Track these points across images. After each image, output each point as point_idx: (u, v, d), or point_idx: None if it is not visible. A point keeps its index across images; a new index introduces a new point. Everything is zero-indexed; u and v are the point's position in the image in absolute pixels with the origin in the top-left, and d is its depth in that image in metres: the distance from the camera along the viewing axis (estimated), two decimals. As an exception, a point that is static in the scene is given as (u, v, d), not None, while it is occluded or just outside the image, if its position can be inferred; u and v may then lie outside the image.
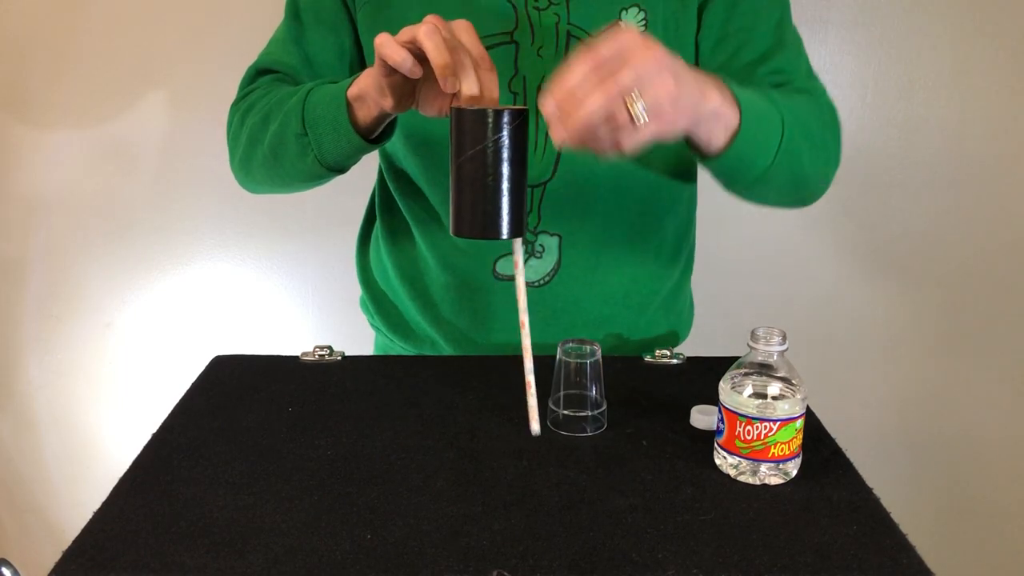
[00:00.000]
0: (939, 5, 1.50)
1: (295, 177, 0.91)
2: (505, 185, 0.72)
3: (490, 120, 0.70)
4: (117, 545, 0.62)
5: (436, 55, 0.70)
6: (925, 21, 1.51)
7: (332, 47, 0.95)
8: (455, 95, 0.72)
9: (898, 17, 1.51)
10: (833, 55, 1.53)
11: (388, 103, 0.77)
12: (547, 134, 0.91)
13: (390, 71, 0.74)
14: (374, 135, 0.84)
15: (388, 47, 0.71)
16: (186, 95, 1.57)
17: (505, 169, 0.71)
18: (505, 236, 0.73)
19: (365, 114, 0.81)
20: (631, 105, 0.63)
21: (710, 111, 0.72)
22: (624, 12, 0.89)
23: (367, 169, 1.13)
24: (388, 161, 1.02)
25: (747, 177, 0.80)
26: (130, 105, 1.57)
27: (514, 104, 0.91)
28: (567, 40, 0.89)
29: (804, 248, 1.63)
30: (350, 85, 0.81)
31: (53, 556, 0.61)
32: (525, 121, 0.72)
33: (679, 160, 0.99)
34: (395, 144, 0.98)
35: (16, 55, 1.55)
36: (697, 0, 0.91)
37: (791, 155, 0.80)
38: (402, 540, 0.63)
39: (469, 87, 0.71)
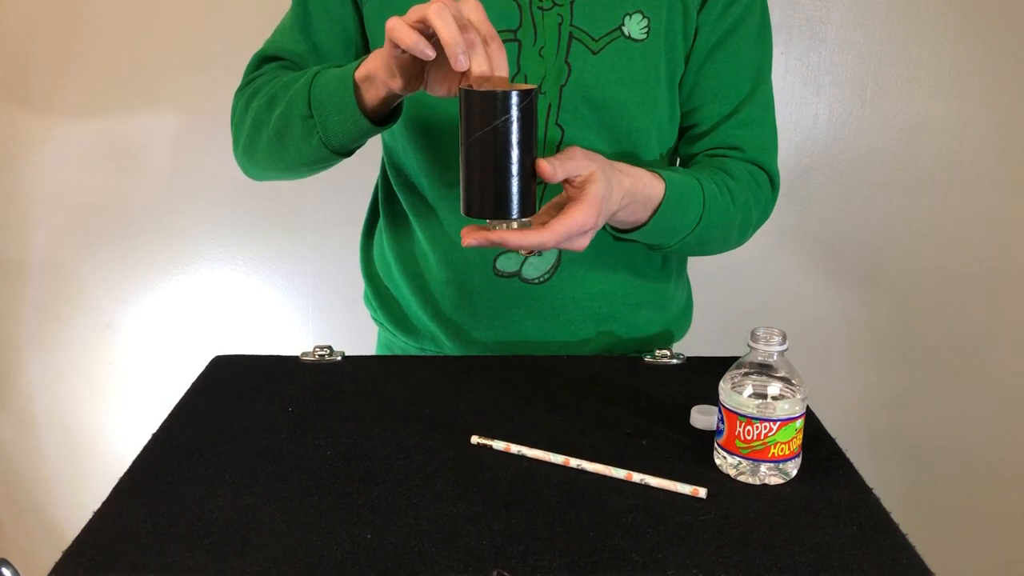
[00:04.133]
0: (939, 5, 1.50)
1: (299, 161, 0.90)
2: (514, 166, 0.72)
3: (499, 101, 0.70)
4: (117, 545, 0.62)
5: (446, 33, 0.69)
6: (925, 21, 1.51)
7: (338, 36, 0.95)
8: (465, 74, 0.72)
9: (898, 17, 1.51)
10: (833, 55, 1.54)
11: (397, 84, 0.77)
12: (545, 132, 0.92)
13: (400, 51, 0.73)
14: (380, 117, 0.84)
15: (400, 30, 0.71)
16: (187, 95, 1.57)
17: (514, 150, 0.71)
18: (515, 216, 0.73)
19: (373, 95, 0.80)
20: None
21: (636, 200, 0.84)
22: (628, 17, 0.90)
23: (368, 168, 1.13)
24: (390, 156, 1.02)
25: (665, 245, 0.92)
26: (131, 105, 1.58)
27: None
28: (569, 41, 0.90)
29: (804, 248, 1.63)
30: (358, 66, 0.81)
31: (53, 556, 0.61)
32: (534, 101, 0.71)
33: (668, 161, 1.00)
34: (395, 138, 0.99)
35: (17, 54, 1.55)
36: (696, 18, 0.92)
37: (705, 234, 0.92)
38: (402, 540, 0.63)
39: (479, 65, 0.71)
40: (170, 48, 1.54)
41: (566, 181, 0.77)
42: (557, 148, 0.92)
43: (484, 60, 0.72)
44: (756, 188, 0.96)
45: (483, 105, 0.70)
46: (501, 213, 0.73)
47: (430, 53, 0.72)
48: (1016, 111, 1.54)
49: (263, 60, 0.97)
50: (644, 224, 0.86)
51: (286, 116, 0.87)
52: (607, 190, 0.77)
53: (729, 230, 0.94)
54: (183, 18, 1.53)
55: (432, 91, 0.79)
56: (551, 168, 0.74)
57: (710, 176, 0.91)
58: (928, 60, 1.52)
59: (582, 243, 0.78)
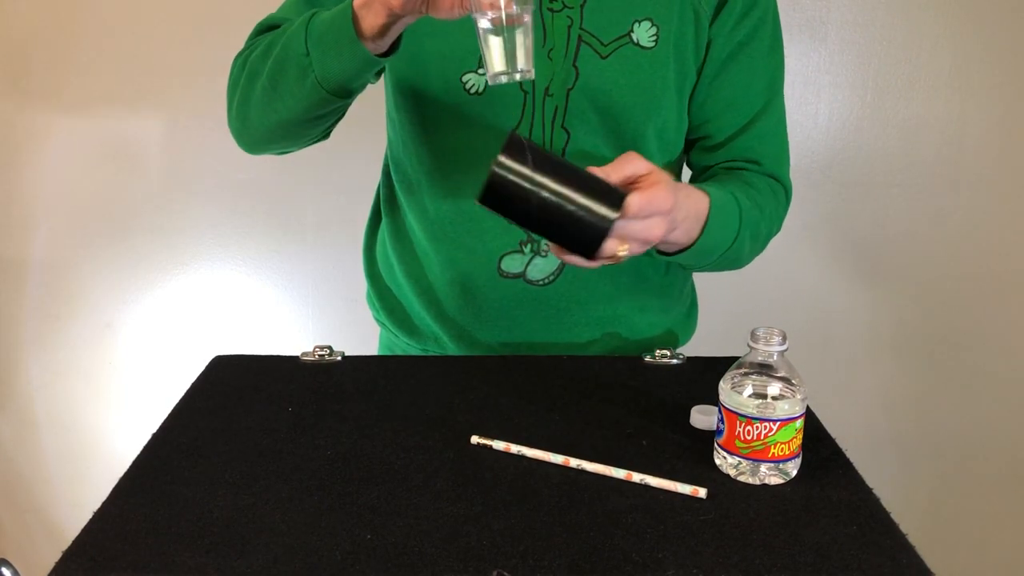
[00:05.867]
0: (939, 5, 1.50)
1: (293, 107, 0.86)
2: (577, 201, 0.70)
3: (516, 180, 0.69)
4: (117, 545, 0.62)
5: None
6: (925, 21, 1.51)
7: None
8: None
9: (898, 17, 1.51)
10: (833, 55, 1.54)
11: (397, 2, 0.74)
12: (551, 135, 0.92)
13: None
14: (380, 50, 0.81)
15: None
16: (187, 95, 1.57)
17: (564, 192, 0.70)
18: (614, 217, 0.72)
19: (372, 20, 0.77)
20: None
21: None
22: (636, 24, 0.90)
23: (369, 169, 1.13)
24: (393, 153, 1.02)
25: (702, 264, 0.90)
26: (131, 105, 1.58)
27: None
28: (578, 44, 0.90)
29: (804, 248, 1.63)
30: None
31: (53, 556, 0.61)
32: (524, 146, 0.70)
33: (676, 159, 1.00)
34: (397, 133, 0.98)
35: (18, 54, 1.55)
36: (708, 30, 0.92)
37: (738, 250, 0.91)
38: (402, 540, 0.63)
39: None
40: (170, 48, 1.54)
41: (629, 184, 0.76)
42: (563, 151, 0.92)
43: None
44: (775, 202, 0.96)
45: (507, 191, 0.70)
46: (600, 236, 0.72)
47: None
48: (1016, 111, 1.54)
49: (265, 29, 0.95)
50: (692, 244, 0.84)
51: (282, 58, 0.84)
52: (674, 194, 0.76)
53: (755, 244, 0.94)
54: (183, 18, 1.53)
55: (435, 12, 0.76)
56: (604, 174, 0.73)
57: (741, 191, 0.91)
58: (928, 60, 1.52)
59: (656, 234, 0.75)
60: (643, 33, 0.90)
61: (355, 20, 0.78)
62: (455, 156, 0.94)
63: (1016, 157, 1.56)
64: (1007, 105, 1.54)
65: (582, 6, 0.89)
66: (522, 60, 0.73)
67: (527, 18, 0.72)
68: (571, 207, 0.71)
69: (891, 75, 1.54)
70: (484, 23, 0.72)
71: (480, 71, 0.89)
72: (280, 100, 0.87)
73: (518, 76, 0.73)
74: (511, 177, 0.69)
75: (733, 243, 0.88)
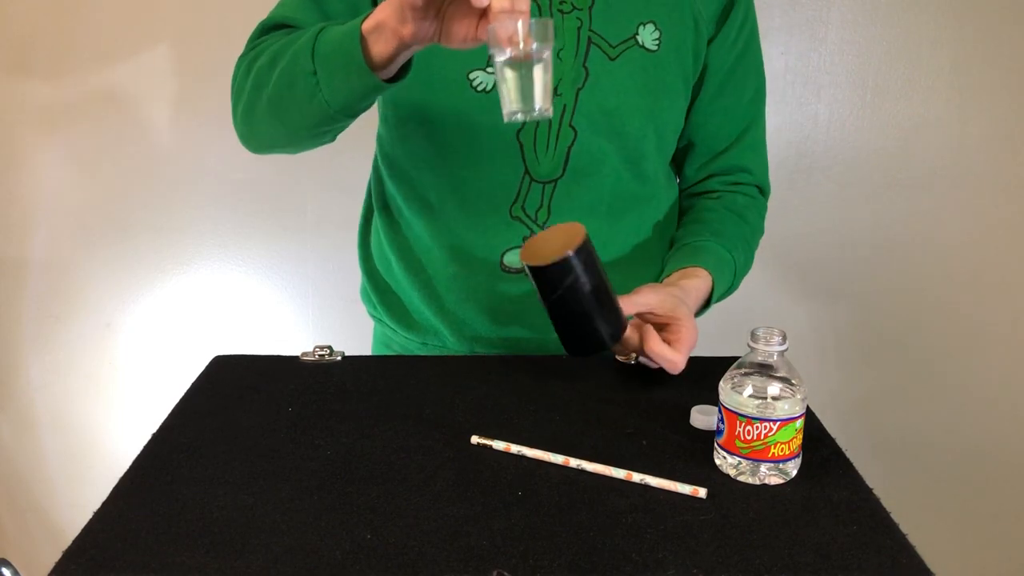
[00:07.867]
0: (939, 5, 1.50)
1: (301, 123, 0.86)
2: (595, 310, 0.81)
3: (562, 268, 0.78)
4: (117, 545, 0.62)
5: None
6: (925, 21, 1.51)
7: (347, 8, 0.91)
8: (483, 17, 0.69)
9: (898, 17, 1.51)
10: (833, 55, 1.53)
11: (408, 30, 0.72)
12: (558, 133, 0.92)
13: None
14: (388, 75, 0.80)
15: None
16: (187, 96, 1.57)
17: (589, 298, 0.80)
18: (609, 346, 0.84)
19: (381, 48, 0.76)
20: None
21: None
22: (641, 27, 0.92)
23: (368, 168, 1.13)
24: (384, 151, 1.02)
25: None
26: (131, 105, 1.58)
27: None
28: (587, 46, 0.91)
29: (804, 248, 1.63)
30: (366, 18, 0.77)
31: (53, 556, 0.61)
32: (589, 245, 0.79)
33: (669, 160, 1.03)
34: (393, 135, 0.98)
35: (18, 54, 1.55)
36: (707, 38, 0.95)
37: (734, 288, 1.05)
38: (402, 540, 0.63)
39: (499, 1, 0.67)
40: (170, 48, 1.54)
41: (648, 313, 0.87)
42: (569, 149, 0.93)
43: None
44: (759, 219, 1.06)
45: (549, 276, 0.79)
46: (595, 349, 0.83)
47: None
48: (1016, 111, 1.54)
49: (267, 29, 0.93)
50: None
51: (289, 73, 0.83)
52: (691, 319, 0.88)
53: (746, 270, 1.06)
54: (183, 19, 1.53)
55: (447, 41, 0.74)
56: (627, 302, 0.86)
57: (734, 231, 1.01)
58: (928, 60, 1.52)
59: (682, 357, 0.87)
60: (647, 36, 0.92)
61: (364, 44, 0.77)
62: (460, 153, 0.94)
63: (1016, 157, 1.56)
64: (1007, 105, 1.54)
65: (590, 8, 0.90)
66: (539, 98, 0.70)
67: (546, 55, 0.69)
68: (587, 321, 0.82)
69: (891, 75, 1.54)
70: (501, 59, 0.69)
71: (489, 70, 0.89)
72: (287, 113, 0.85)
73: (535, 114, 0.71)
74: (568, 273, 0.79)
75: (729, 288, 1.02)
